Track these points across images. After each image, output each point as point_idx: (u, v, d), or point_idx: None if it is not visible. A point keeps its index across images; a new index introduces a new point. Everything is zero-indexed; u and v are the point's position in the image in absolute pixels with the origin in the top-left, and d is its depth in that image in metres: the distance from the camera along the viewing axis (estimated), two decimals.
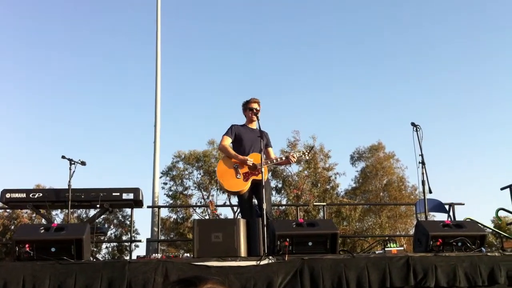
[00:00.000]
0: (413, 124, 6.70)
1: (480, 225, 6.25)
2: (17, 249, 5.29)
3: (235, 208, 26.02)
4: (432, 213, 8.96)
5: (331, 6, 52.61)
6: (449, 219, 7.97)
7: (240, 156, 6.64)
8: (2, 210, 30.47)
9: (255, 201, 6.89)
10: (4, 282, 4.90)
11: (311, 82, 51.87)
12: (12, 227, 32.45)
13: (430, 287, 5.11)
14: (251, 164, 6.55)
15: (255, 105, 6.94)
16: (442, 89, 51.50)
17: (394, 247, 5.87)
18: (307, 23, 52.24)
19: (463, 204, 9.26)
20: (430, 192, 6.63)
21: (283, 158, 6.87)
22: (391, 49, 51.87)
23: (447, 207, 8.67)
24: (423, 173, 6.58)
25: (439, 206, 8.46)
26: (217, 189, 31.13)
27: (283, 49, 51.93)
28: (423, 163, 6.59)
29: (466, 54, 51.57)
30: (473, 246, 5.63)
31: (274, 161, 6.85)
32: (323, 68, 52.45)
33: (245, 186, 6.56)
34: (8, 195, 7.15)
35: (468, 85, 51.15)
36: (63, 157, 7.12)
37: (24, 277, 4.93)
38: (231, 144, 6.96)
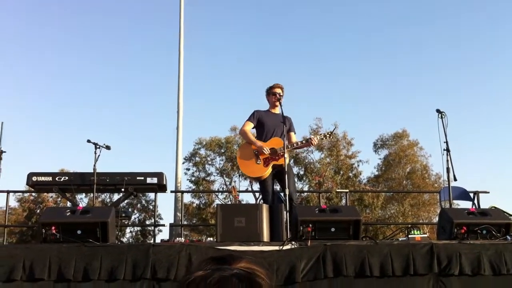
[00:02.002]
0: (438, 110, 6.63)
1: (505, 213, 6.18)
2: (44, 231, 5.37)
3: (257, 194, 26.15)
4: (456, 201, 8.89)
5: None
6: (474, 207, 7.89)
7: (258, 143, 6.64)
8: (28, 194, 31.01)
9: (277, 187, 6.90)
10: (31, 263, 4.98)
11: (335, 69, 51.57)
12: (38, 210, 32.98)
13: (454, 275, 5.09)
14: (267, 153, 6.55)
15: (278, 90, 6.92)
16: (468, 78, 50.71)
17: (417, 234, 5.83)
18: (331, 11, 51.87)
19: (488, 193, 9.16)
20: (455, 179, 6.58)
21: (303, 142, 6.87)
22: (416, 38, 51.22)
23: (471, 195, 8.59)
24: (447, 160, 6.53)
25: (463, 194, 8.38)
26: (239, 175, 31.28)
27: (307, 36, 51.63)
28: (448, 150, 6.53)
29: (499, 43, 50.51)
30: (498, 234, 5.58)
31: (294, 144, 6.86)
32: (346, 56, 52.09)
33: (265, 172, 6.57)
34: (34, 178, 7.25)
35: (494, 74, 50.32)
36: (88, 141, 7.21)
37: (50, 258, 5.01)
38: (254, 129, 6.98)
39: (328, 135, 7.05)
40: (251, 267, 1.11)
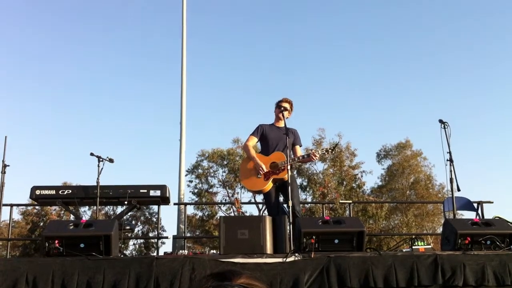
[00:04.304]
0: (441, 121, 6.64)
1: (509, 223, 6.16)
2: (47, 245, 5.37)
3: (260, 206, 26.12)
4: (460, 212, 8.87)
5: (360, 2, 52.19)
6: (478, 218, 7.87)
7: (257, 160, 6.64)
8: (31, 207, 31.03)
9: (280, 198, 6.89)
10: (34, 277, 4.98)
11: (338, 79, 51.63)
12: (41, 223, 32.97)
13: (459, 286, 5.06)
14: (262, 173, 6.55)
15: (285, 104, 6.92)
16: (473, 86, 50.70)
17: (421, 245, 5.82)
18: (335, 20, 52.05)
19: (492, 203, 9.14)
20: (459, 190, 6.57)
21: (305, 156, 6.84)
22: (419, 47, 51.33)
23: (475, 205, 8.57)
24: (451, 171, 6.52)
25: (467, 204, 8.36)
26: (242, 187, 31.24)
27: (311, 47, 51.75)
28: (451, 160, 6.52)
29: (504, 49, 50.49)
30: (502, 245, 5.55)
31: (296, 159, 6.83)
32: (350, 66, 52.16)
33: (265, 186, 6.56)
34: (38, 192, 7.27)
35: (499, 82, 50.32)
36: (91, 154, 7.22)
37: (53, 272, 5.00)
38: (259, 143, 7.00)
39: (330, 150, 7.01)
40: (251, 283, 1.11)
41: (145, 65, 52.38)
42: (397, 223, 33.85)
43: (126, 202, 7.29)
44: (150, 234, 35.47)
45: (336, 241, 5.56)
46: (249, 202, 21.46)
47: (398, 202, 36.72)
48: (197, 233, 34.08)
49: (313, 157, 6.70)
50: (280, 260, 5.18)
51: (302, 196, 30.73)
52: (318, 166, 32.32)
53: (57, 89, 51.47)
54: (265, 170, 6.54)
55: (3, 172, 7.23)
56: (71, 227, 5.58)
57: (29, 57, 51.32)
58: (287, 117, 6.85)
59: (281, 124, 6.92)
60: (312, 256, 5.22)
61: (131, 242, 34.07)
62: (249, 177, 6.71)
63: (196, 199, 32.77)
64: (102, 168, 7.20)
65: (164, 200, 7.55)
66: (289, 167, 6.35)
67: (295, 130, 7.00)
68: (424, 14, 51.22)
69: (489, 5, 50.16)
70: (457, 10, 50.73)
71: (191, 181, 33.45)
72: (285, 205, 6.70)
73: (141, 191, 7.30)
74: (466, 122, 46.48)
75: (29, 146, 51.47)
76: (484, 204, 8.80)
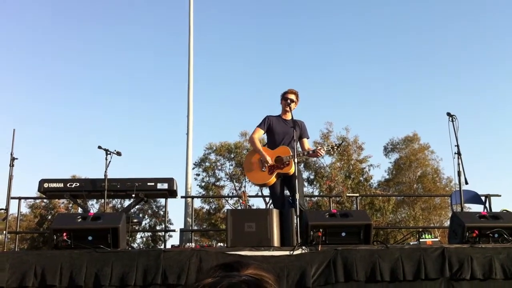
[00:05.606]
0: (449, 114, 6.60)
1: None
2: (55, 237, 5.40)
3: (267, 199, 26.10)
4: (467, 205, 8.85)
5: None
6: (485, 211, 7.84)
7: (263, 153, 6.60)
8: (40, 200, 31.16)
9: (287, 192, 6.88)
10: (42, 270, 5.01)
11: (346, 74, 51.47)
12: (49, 217, 33.11)
13: (466, 279, 5.06)
14: (268, 165, 6.54)
15: (291, 96, 6.86)
16: (480, 82, 50.41)
17: (428, 238, 5.80)
18: (343, 16, 51.84)
19: (500, 196, 9.11)
20: (466, 183, 6.54)
21: (310, 152, 6.81)
22: (425, 41, 51.05)
23: (483, 198, 8.54)
24: (459, 164, 6.49)
25: (475, 198, 8.33)
26: (249, 180, 31.20)
27: (319, 41, 51.64)
28: (459, 153, 6.49)
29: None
30: (510, 238, 5.54)
31: (301, 154, 6.80)
32: (356, 60, 51.98)
33: (269, 180, 6.54)
34: (46, 185, 7.29)
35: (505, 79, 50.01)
36: (99, 147, 7.24)
37: (61, 265, 5.03)
38: (265, 135, 6.96)
39: (336, 147, 6.96)
40: (259, 273, 1.12)
41: (152, 60, 52.48)
42: (404, 216, 33.77)
43: (133, 195, 7.29)
44: (158, 227, 35.57)
45: (343, 234, 5.56)
46: (256, 195, 21.52)
47: (405, 195, 36.62)
48: (204, 226, 34.15)
49: (319, 153, 6.68)
50: (287, 253, 5.19)
51: (309, 189, 30.74)
52: (326, 160, 32.31)
53: (66, 85, 51.67)
54: (271, 163, 6.52)
55: (11, 165, 7.26)
56: (79, 220, 5.60)
57: (40, 53, 51.47)
58: (293, 109, 6.82)
59: (288, 116, 6.88)
60: (319, 249, 5.22)
61: (138, 235, 34.18)
62: (253, 170, 6.70)
63: (203, 192, 32.82)
64: (109, 161, 7.22)
65: (171, 193, 7.56)
66: (296, 161, 6.32)
67: (301, 122, 6.95)
68: (430, 9, 50.95)
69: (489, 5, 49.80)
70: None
71: (198, 175, 33.54)
72: (291, 198, 6.70)
73: (148, 184, 7.30)
74: (473, 115, 46.25)
75: (38, 139, 51.71)
76: (491, 197, 8.77)
